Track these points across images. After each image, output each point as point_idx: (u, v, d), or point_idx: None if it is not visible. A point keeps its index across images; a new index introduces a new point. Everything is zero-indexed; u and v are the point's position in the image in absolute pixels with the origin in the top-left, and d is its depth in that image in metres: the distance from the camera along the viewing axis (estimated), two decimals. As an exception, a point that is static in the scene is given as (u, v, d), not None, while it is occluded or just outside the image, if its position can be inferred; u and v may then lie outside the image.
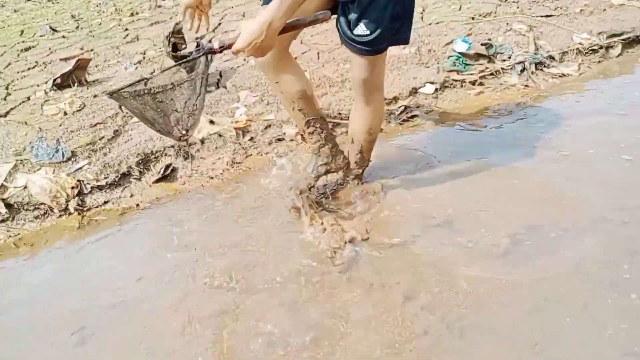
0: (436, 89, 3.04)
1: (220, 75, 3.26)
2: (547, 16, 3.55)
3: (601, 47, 3.23)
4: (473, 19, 3.56)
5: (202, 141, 2.68)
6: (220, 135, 2.70)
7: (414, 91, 3.03)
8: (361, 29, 1.74)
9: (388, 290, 1.72)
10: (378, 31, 1.73)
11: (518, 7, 3.70)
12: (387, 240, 1.96)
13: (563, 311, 1.57)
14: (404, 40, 1.87)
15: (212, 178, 2.48)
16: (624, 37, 3.26)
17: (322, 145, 2.08)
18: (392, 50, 3.32)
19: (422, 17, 3.68)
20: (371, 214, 2.11)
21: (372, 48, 1.79)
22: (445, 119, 2.85)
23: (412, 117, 2.87)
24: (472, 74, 3.10)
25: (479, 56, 3.14)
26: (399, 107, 2.92)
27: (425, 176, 2.34)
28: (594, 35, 3.32)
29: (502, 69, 3.11)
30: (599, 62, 3.22)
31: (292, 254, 1.92)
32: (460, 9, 3.73)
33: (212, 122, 2.77)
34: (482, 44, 3.14)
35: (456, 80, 3.09)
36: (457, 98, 3.01)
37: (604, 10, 3.67)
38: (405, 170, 2.38)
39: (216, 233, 2.10)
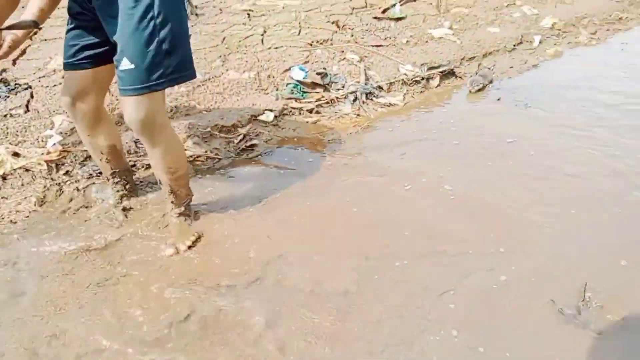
0: (275, 117, 3.04)
1: (32, 96, 2.84)
2: (378, 46, 3.79)
3: (422, 79, 3.54)
4: (311, 45, 3.64)
5: (4, 177, 2.30)
6: (27, 170, 2.34)
7: (253, 118, 2.99)
8: (125, 64, 1.63)
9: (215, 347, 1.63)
10: (143, 66, 1.64)
11: (352, 36, 3.88)
12: (219, 283, 1.87)
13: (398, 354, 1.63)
14: (187, 77, 1.78)
15: (14, 222, 2.13)
16: (441, 69, 3.62)
17: (124, 195, 2.23)
18: (231, 75, 3.25)
19: (262, 41, 3.65)
20: (197, 256, 2.00)
21: (141, 86, 1.67)
22: (284, 147, 2.86)
23: (251, 146, 2.82)
24: (309, 102, 3.16)
25: (315, 85, 3.22)
26: (238, 136, 2.85)
27: (259, 212, 2.28)
28: (417, 66, 3.63)
29: (337, 98, 3.23)
30: (421, 92, 3.52)
31: (107, 319, 1.72)
32: (299, 33, 3.80)
33: (16, 154, 2.39)
34: (317, 73, 3.23)
35: (294, 108, 3.12)
36: (296, 126, 3.04)
37: (427, 42, 4.04)
38: (239, 205, 2.30)
39: (16, 296, 1.79)
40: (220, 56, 3.35)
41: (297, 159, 2.76)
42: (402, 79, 3.48)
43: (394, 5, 4.23)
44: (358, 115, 3.20)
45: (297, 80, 3.19)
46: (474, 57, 3.95)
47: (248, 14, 4.27)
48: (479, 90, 3.47)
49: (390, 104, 3.34)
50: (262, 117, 3.01)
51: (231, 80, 3.19)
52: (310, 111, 3.14)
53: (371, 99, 3.33)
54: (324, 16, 4.19)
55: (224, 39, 3.62)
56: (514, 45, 4.23)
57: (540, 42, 4.39)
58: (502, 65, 3.91)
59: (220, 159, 2.71)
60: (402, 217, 2.27)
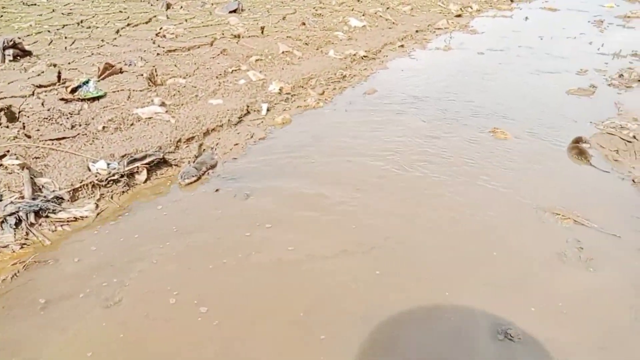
0: None
1: None
2: (60, 139, 2.93)
3: (123, 175, 2.82)
4: (-51, 149, 2.58)
5: None
6: None
7: None
8: None
9: None
10: None
11: (24, 128, 2.94)
12: None
13: None
14: None
15: None
16: (147, 160, 2.95)
17: None
18: None
19: None
20: None
21: None
22: None
23: None
24: None
25: (-60, 215, 2.19)
26: None
27: None
28: (117, 159, 2.89)
29: (-15, 226, 2.26)
30: (124, 192, 2.79)
31: None
32: None
33: None
34: (-59, 199, 2.21)
35: None
36: None
37: (132, 125, 3.35)
38: None
39: None
40: None
41: None
42: (93, 182, 2.70)
43: (87, 82, 3.43)
44: (24, 244, 2.28)
45: None
46: (193, 137, 3.41)
47: None
48: (193, 182, 2.90)
49: (75, 218, 2.51)
50: None
51: None
52: (-64, 256, 2.10)
53: (46, 217, 2.45)
54: (-12, 102, 3.14)
55: None
56: (240, 117, 3.85)
57: (268, 110, 4.13)
58: (227, 143, 3.45)
59: None
60: None
